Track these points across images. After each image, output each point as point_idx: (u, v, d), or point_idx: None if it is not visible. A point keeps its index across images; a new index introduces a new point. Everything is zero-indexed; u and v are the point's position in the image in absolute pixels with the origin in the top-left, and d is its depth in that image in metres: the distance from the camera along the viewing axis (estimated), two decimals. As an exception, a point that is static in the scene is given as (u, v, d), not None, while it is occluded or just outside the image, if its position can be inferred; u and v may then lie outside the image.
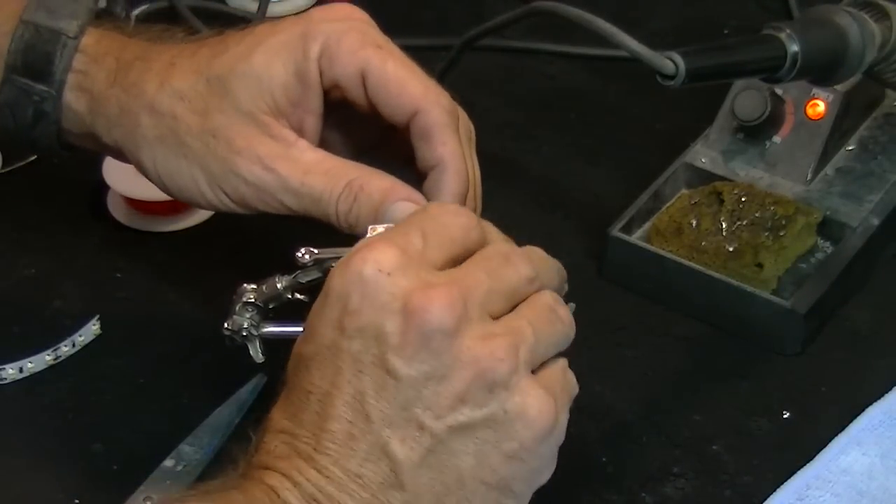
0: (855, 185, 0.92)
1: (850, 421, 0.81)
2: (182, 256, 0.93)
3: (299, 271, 0.70)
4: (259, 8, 1.11)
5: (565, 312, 0.66)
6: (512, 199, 0.96)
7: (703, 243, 0.88)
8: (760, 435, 0.81)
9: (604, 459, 0.80)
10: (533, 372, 0.63)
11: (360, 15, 0.74)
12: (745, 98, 0.92)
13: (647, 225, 0.92)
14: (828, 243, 0.91)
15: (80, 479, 0.79)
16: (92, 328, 0.87)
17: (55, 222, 0.96)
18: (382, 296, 0.61)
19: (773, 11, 1.12)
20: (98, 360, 0.86)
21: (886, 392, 0.82)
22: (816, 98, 0.92)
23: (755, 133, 0.93)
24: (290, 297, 0.70)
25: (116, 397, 0.84)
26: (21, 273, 0.92)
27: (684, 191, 0.93)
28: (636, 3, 1.15)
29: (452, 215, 0.65)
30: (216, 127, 0.73)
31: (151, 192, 0.81)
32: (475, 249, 0.65)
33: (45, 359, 0.85)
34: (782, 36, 0.76)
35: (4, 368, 0.84)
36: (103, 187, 0.95)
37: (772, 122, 0.92)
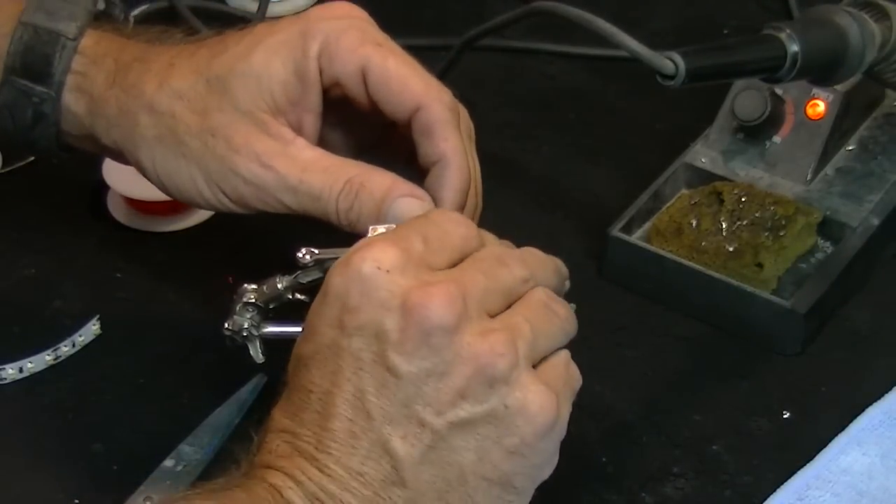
0: (855, 185, 0.92)
1: (850, 421, 0.81)
2: (182, 256, 0.93)
3: (300, 271, 0.70)
4: (259, 8, 1.11)
5: (561, 307, 0.66)
6: (512, 199, 0.96)
7: (703, 243, 0.88)
8: (760, 435, 0.81)
9: (604, 459, 0.80)
10: (534, 367, 0.63)
11: (359, 13, 0.75)
12: (745, 98, 0.92)
13: (647, 225, 0.92)
14: (828, 243, 0.91)
15: (80, 479, 0.79)
16: (92, 328, 0.87)
17: (55, 222, 0.95)
18: (381, 293, 0.61)
19: (773, 11, 1.12)
20: (98, 360, 0.86)
21: (886, 392, 0.82)
22: (816, 98, 0.92)
23: (755, 133, 0.93)
24: (290, 297, 0.70)
25: (116, 397, 0.83)
26: (21, 273, 0.92)
27: (684, 191, 0.93)
28: (636, 3, 1.15)
29: (454, 224, 0.66)
30: (215, 126, 0.73)
31: (151, 192, 0.81)
32: None
33: (45, 359, 0.85)
34: (782, 36, 0.76)
35: (4, 368, 0.84)
36: (103, 187, 0.95)
37: (772, 122, 0.92)
